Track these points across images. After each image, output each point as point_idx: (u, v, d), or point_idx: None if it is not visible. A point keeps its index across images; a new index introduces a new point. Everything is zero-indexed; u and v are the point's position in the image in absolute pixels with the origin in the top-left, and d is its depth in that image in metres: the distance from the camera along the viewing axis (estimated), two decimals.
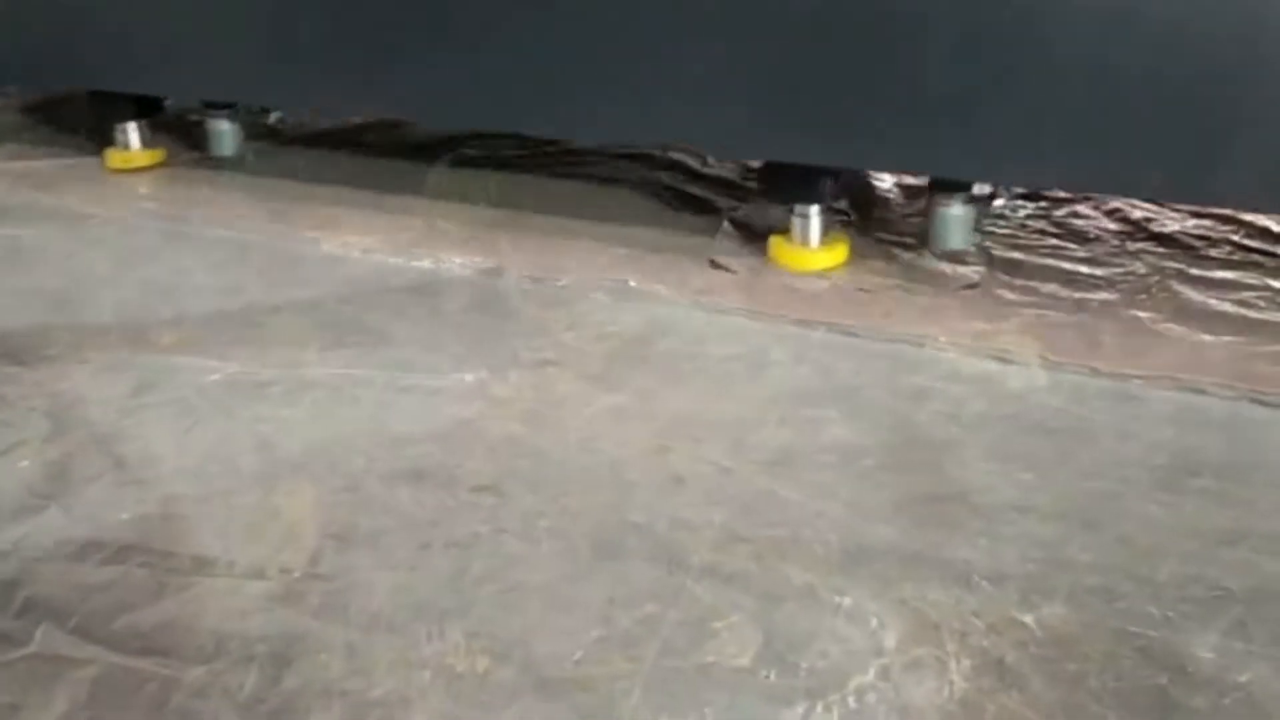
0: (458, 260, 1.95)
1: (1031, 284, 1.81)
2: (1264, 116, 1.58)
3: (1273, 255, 1.90)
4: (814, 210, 1.91)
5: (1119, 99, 1.64)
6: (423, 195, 2.24)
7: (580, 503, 1.30)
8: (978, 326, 1.69)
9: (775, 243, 1.94)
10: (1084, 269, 1.86)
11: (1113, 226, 2.03)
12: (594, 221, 2.10)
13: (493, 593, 1.17)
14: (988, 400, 1.51)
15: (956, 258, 1.90)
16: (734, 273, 1.89)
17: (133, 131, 2.44)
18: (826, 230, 1.93)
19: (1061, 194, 2.12)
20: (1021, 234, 1.99)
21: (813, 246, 1.92)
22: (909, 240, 1.98)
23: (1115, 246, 1.95)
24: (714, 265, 1.92)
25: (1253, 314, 1.70)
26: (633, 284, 1.85)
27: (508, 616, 1.14)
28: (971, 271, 1.86)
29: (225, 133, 2.50)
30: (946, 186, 1.91)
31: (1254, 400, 1.50)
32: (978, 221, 1.96)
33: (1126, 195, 2.03)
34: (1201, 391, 1.52)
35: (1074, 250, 1.93)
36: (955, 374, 1.58)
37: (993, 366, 1.59)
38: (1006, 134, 1.71)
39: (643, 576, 1.18)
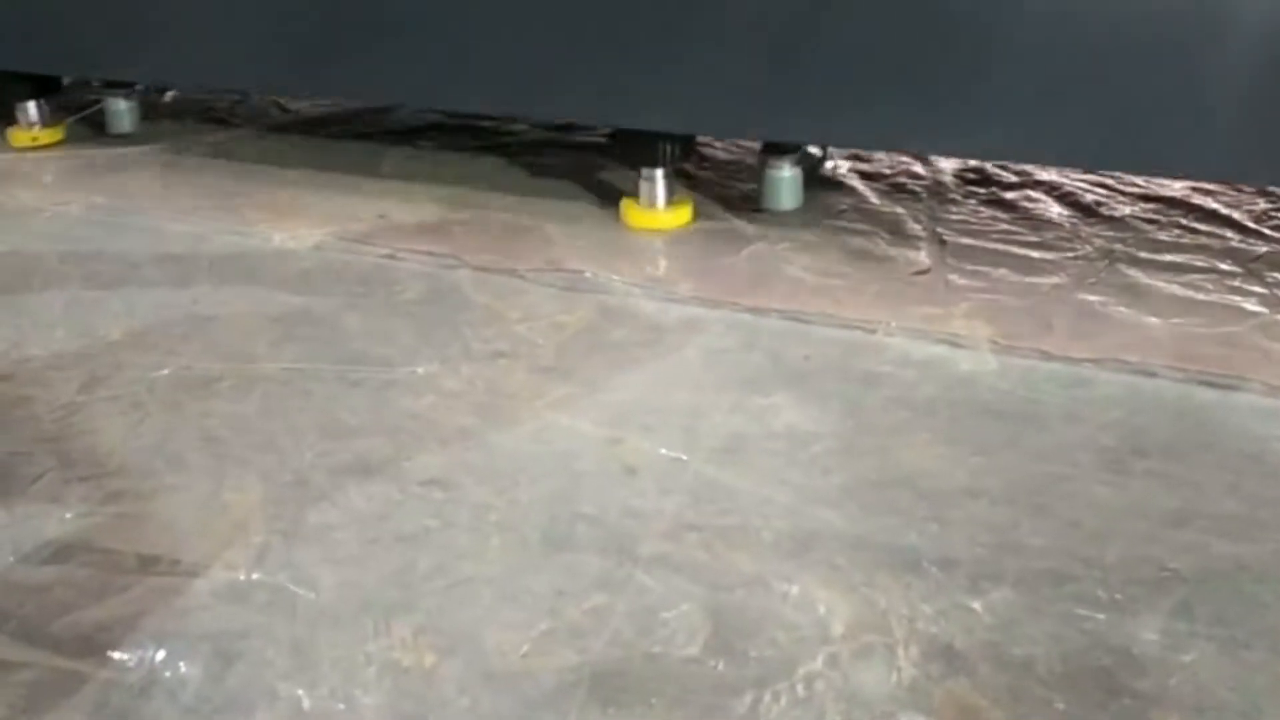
0: (410, 251, 1.93)
1: (982, 269, 1.81)
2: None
3: (1220, 238, 1.91)
4: (659, 174, 2.02)
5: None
6: (376, 186, 2.22)
7: (530, 494, 1.30)
8: (928, 311, 1.69)
9: (626, 205, 2.05)
10: (1035, 253, 1.86)
11: (1064, 211, 2.04)
12: (547, 212, 2.09)
13: (441, 586, 1.16)
14: (938, 385, 1.52)
15: (904, 239, 1.90)
16: (689, 261, 1.89)
17: (33, 110, 2.47)
18: (672, 192, 2.03)
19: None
20: (973, 219, 2.00)
21: (659, 207, 2.03)
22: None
23: (1066, 231, 1.96)
24: (667, 257, 1.91)
25: (1200, 296, 1.72)
26: (586, 274, 1.84)
27: (456, 610, 1.13)
28: (924, 257, 1.86)
29: (123, 111, 2.55)
30: (777, 149, 2.05)
31: (1202, 382, 1.51)
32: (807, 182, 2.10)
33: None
34: (1150, 374, 1.53)
35: (1025, 235, 1.93)
36: (906, 359, 1.58)
37: (943, 351, 1.60)
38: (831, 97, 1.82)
39: (592, 567, 1.18)
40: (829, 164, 2.29)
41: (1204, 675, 1.02)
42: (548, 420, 1.45)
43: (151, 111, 2.65)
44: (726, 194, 2.16)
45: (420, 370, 1.56)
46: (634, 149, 2.07)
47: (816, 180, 2.20)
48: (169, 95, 2.76)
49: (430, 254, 1.92)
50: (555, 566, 1.18)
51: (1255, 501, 1.27)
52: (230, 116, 2.66)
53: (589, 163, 2.32)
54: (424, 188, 2.20)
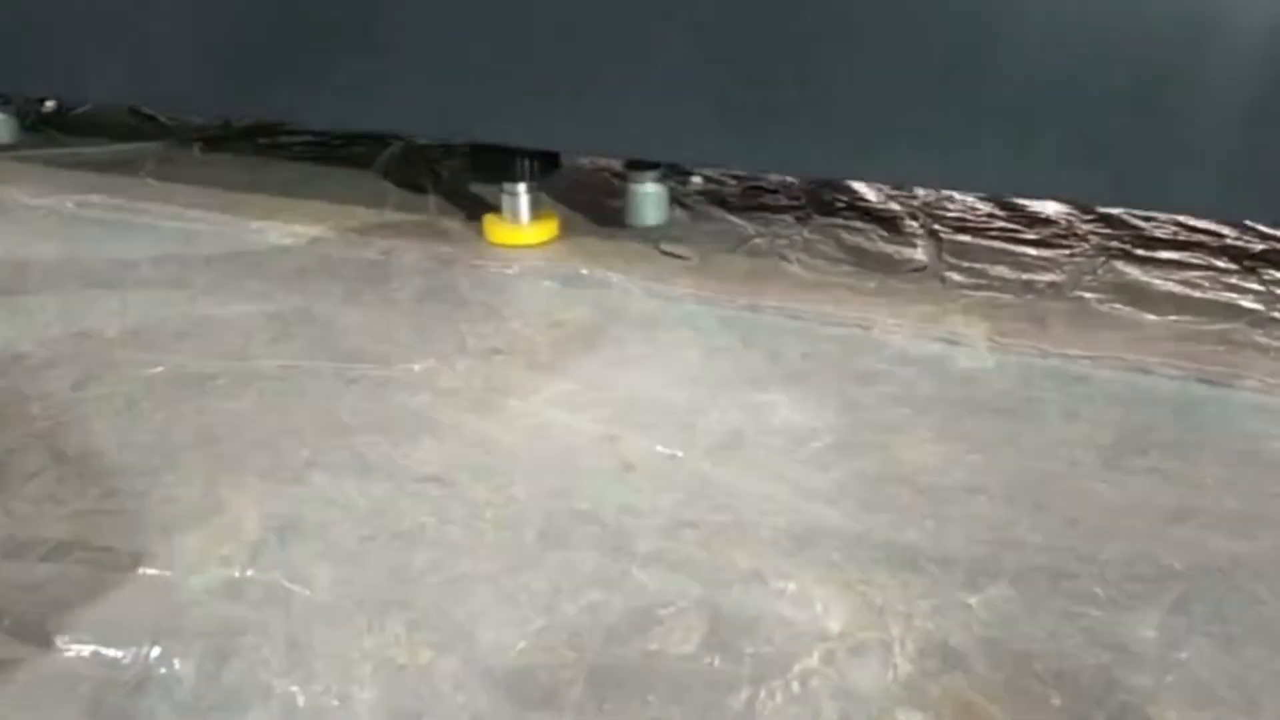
0: (407, 248, 1.93)
1: (979, 266, 1.81)
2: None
3: (1216, 235, 1.91)
4: (521, 188, 1.97)
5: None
6: (372, 183, 2.22)
7: (527, 491, 1.29)
8: (926, 309, 1.69)
9: (489, 221, 2.00)
10: (1031, 251, 1.86)
11: (1061, 208, 2.03)
12: (546, 207, 2.09)
13: (437, 584, 1.16)
14: (936, 382, 1.51)
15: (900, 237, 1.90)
16: (685, 259, 1.89)
17: None
18: (535, 207, 1.99)
19: None
20: (970, 217, 2.00)
21: (523, 223, 1.98)
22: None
23: (1063, 228, 1.96)
24: (663, 253, 1.91)
25: (1197, 293, 1.72)
26: (583, 271, 1.84)
27: (451, 607, 1.12)
28: (920, 254, 1.86)
29: (2, 121, 2.56)
30: (640, 165, 2.02)
31: (1199, 379, 1.51)
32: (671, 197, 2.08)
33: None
34: (1148, 371, 1.53)
35: (1022, 232, 1.93)
36: (903, 356, 1.58)
37: (941, 348, 1.60)
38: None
39: (588, 565, 1.18)
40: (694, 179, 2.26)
41: (1201, 672, 1.02)
42: (545, 417, 1.44)
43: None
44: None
45: (417, 367, 1.56)
46: (492, 164, 1.99)
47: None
48: (48, 106, 2.76)
49: (427, 250, 1.91)
50: (552, 563, 1.18)
51: (1253, 498, 1.27)
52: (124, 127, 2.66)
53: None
54: (421, 183, 2.20)
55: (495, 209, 2.00)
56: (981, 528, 1.22)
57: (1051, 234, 1.93)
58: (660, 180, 2.04)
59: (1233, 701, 0.99)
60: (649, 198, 2.04)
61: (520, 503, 1.27)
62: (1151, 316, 1.65)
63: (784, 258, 1.87)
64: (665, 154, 1.93)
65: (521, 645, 1.07)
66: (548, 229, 1.99)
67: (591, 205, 2.14)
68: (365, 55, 1.94)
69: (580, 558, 1.19)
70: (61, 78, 2.26)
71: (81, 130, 2.63)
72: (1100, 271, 1.79)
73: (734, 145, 1.76)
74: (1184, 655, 1.04)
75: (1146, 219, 1.98)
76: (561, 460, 1.36)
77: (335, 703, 1.02)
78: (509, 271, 1.85)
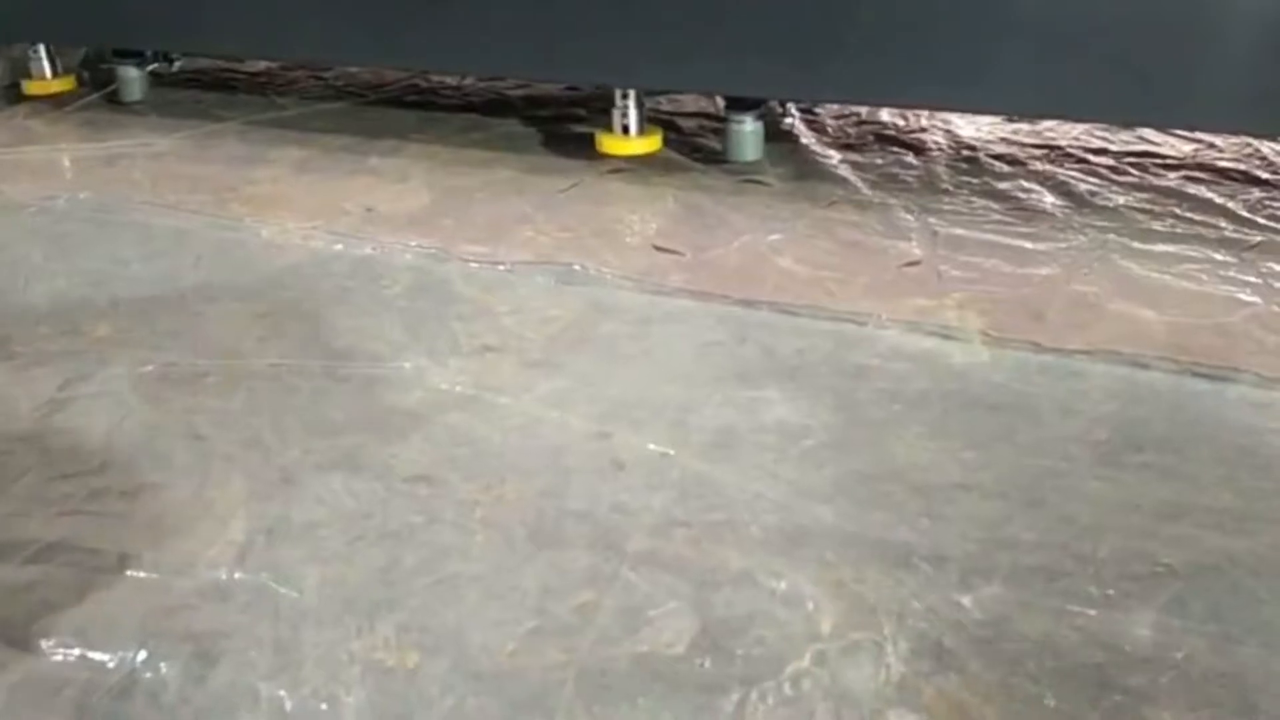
0: (399, 244, 1.92)
1: (974, 260, 1.80)
2: None
3: (1214, 227, 1.90)
4: (631, 101, 2.25)
5: None
6: (365, 178, 2.21)
7: (517, 490, 1.28)
8: (920, 304, 1.68)
9: (600, 137, 2.30)
10: (1027, 244, 1.85)
11: (1057, 201, 2.02)
12: (538, 204, 2.07)
13: (426, 585, 1.15)
14: (930, 378, 1.50)
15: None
16: (679, 254, 1.87)
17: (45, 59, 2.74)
18: (642, 122, 2.28)
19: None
20: (965, 210, 1.98)
21: (633, 134, 2.28)
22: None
23: (1059, 221, 1.94)
24: (657, 249, 1.90)
25: (1194, 286, 1.70)
26: (576, 267, 1.83)
27: (440, 609, 1.11)
28: (915, 248, 1.85)
29: (134, 79, 2.71)
30: (740, 105, 2.24)
31: (1196, 374, 1.49)
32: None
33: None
34: (1144, 366, 1.51)
35: (1018, 225, 1.92)
36: (897, 352, 1.57)
37: (935, 344, 1.58)
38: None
39: (579, 565, 1.17)
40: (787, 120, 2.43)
41: (1197, 671, 1.01)
42: (536, 415, 1.43)
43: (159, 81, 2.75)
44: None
45: (408, 365, 1.55)
46: None
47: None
48: (176, 65, 2.86)
49: (419, 247, 1.90)
50: (542, 563, 1.17)
51: (1250, 494, 1.26)
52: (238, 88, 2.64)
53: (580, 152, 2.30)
54: (414, 179, 2.19)
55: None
56: (975, 526, 1.21)
57: (1048, 227, 1.91)
58: (759, 119, 2.25)
59: (1229, 703, 0.98)
60: (748, 136, 2.25)
61: (510, 502, 1.26)
62: (1148, 310, 1.64)
63: (778, 253, 1.85)
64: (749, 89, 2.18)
65: (511, 647, 1.06)
66: (654, 141, 2.30)
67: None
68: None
69: (571, 558, 1.18)
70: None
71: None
72: (1096, 265, 1.78)
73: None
74: (1180, 655, 1.03)
75: (1143, 211, 1.96)
76: (553, 459, 1.34)
77: (323, 706, 1.01)
78: (501, 267, 1.83)
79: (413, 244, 1.92)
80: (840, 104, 2.49)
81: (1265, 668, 1.01)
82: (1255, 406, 1.43)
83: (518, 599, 1.12)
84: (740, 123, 2.25)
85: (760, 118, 2.26)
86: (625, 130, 2.29)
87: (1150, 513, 1.23)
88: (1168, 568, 1.15)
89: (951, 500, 1.26)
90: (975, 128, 2.40)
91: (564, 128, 2.49)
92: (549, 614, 1.10)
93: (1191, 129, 2.22)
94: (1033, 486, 1.28)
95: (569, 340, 1.62)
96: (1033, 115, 2.33)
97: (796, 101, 2.49)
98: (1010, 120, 2.41)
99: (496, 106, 2.64)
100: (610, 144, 2.30)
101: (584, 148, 2.32)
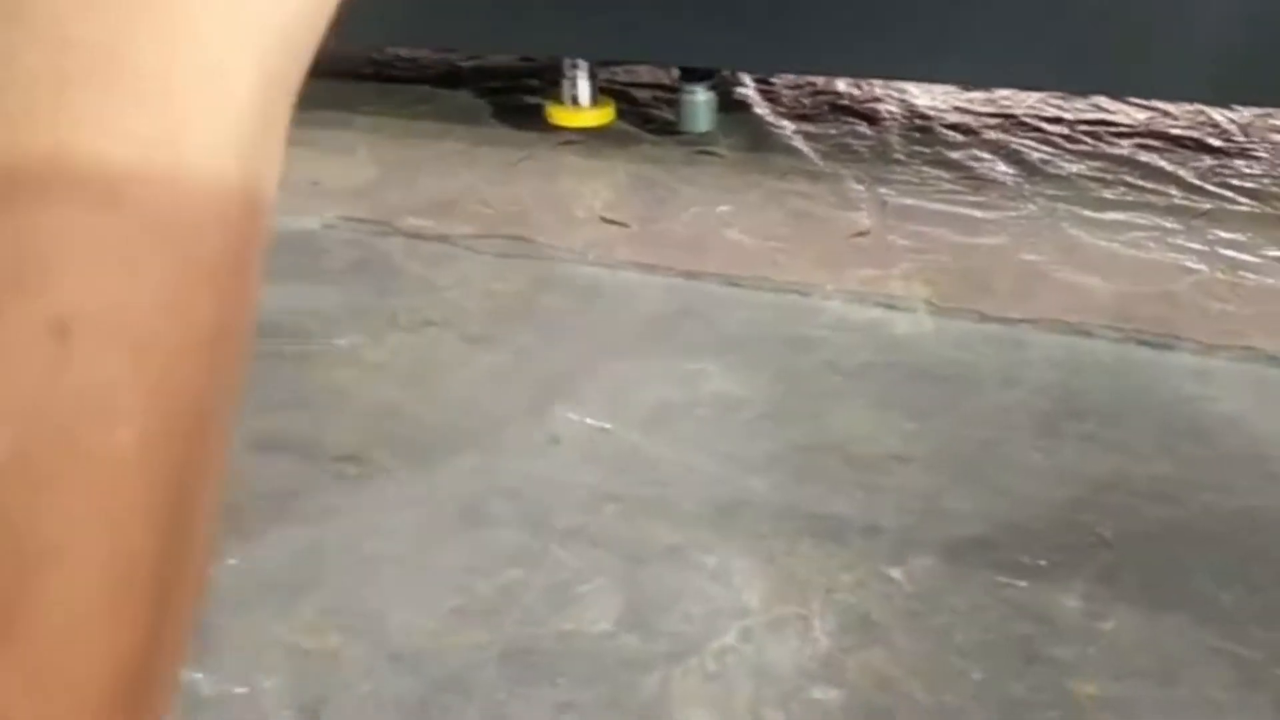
0: (343, 218, 1.89)
1: (923, 229, 1.78)
2: None
3: (1165, 195, 1.89)
4: (582, 72, 2.20)
5: None
6: (311, 151, 2.17)
7: (448, 468, 1.26)
8: (867, 274, 1.66)
9: (550, 109, 2.23)
10: (977, 213, 1.83)
11: (1009, 170, 2.00)
12: (487, 177, 2.05)
13: (349, 565, 1.13)
14: (873, 348, 1.49)
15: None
16: (626, 226, 1.85)
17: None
18: (595, 93, 2.23)
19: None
20: (916, 180, 1.96)
21: (584, 105, 2.23)
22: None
23: (1010, 190, 1.93)
24: (605, 221, 1.87)
25: (1142, 254, 1.69)
26: (522, 238, 1.80)
27: (363, 590, 1.09)
28: (865, 218, 1.83)
29: None
30: (693, 75, 2.19)
31: (1140, 342, 1.48)
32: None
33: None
34: (1089, 334, 1.50)
35: (968, 195, 1.90)
36: (842, 322, 1.55)
37: (880, 314, 1.57)
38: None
39: (507, 542, 1.15)
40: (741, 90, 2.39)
41: (1123, 642, 1.00)
42: (473, 391, 1.41)
43: None
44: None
45: (343, 342, 1.52)
46: None
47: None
48: None
49: (363, 220, 1.87)
50: (469, 542, 1.15)
51: (1186, 463, 1.25)
52: None
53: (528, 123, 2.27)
54: (361, 151, 2.15)
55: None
56: (910, 497, 1.20)
57: (998, 196, 1.90)
58: (712, 89, 2.20)
59: (1153, 672, 0.97)
60: (701, 106, 2.21)
61: (440, 480, 1.24)
62: (1095, 279, 1.62)
63: (727, 225, 1.83)
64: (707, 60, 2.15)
65: (432, 627, 1.05)
66: (606, 113, 2.24)
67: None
68: None
69: (499, 535, 1.16)
70: None
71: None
72: (1045, 233, 1.76)
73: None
74: (1107, 626, 1.02)
75: (1094, 179, 1.95)
76: (486, 435, 1.32)
77: (241, 690, 0.99)
78: (446, 241, 1.81)
79: (357, 218, 1.89)
80: (794, 74, 2.47)
81: (1190, 637, 1.00)
82: (1196, 374, 1.42)
83: (442, 578, 1.10)
84: (693, 93, 2.23)
85: (713, 88, 2.23)
86: (575, 101, 2.26)
87: (1087, 483, 1.22)
88: (1101, 538, 1.14)
89: (888, 472, 1.24)
90: (931, 97, 2.38)
91: (517, 99, 2.45)
92: (473, 593, 1.08)
93: (1149, 97, 2.21)
94: (970, 457, 1.26)
95: (511, 314, 1.59)
96: (990, 85, 2.31)
97: (749, 72, 2.47)
98: (966, 89, 2.39)
99: (449, 78, 2.60)
100: (561, 115, 2.26)
101: (536, 120, 2.29)
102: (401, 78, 2.61)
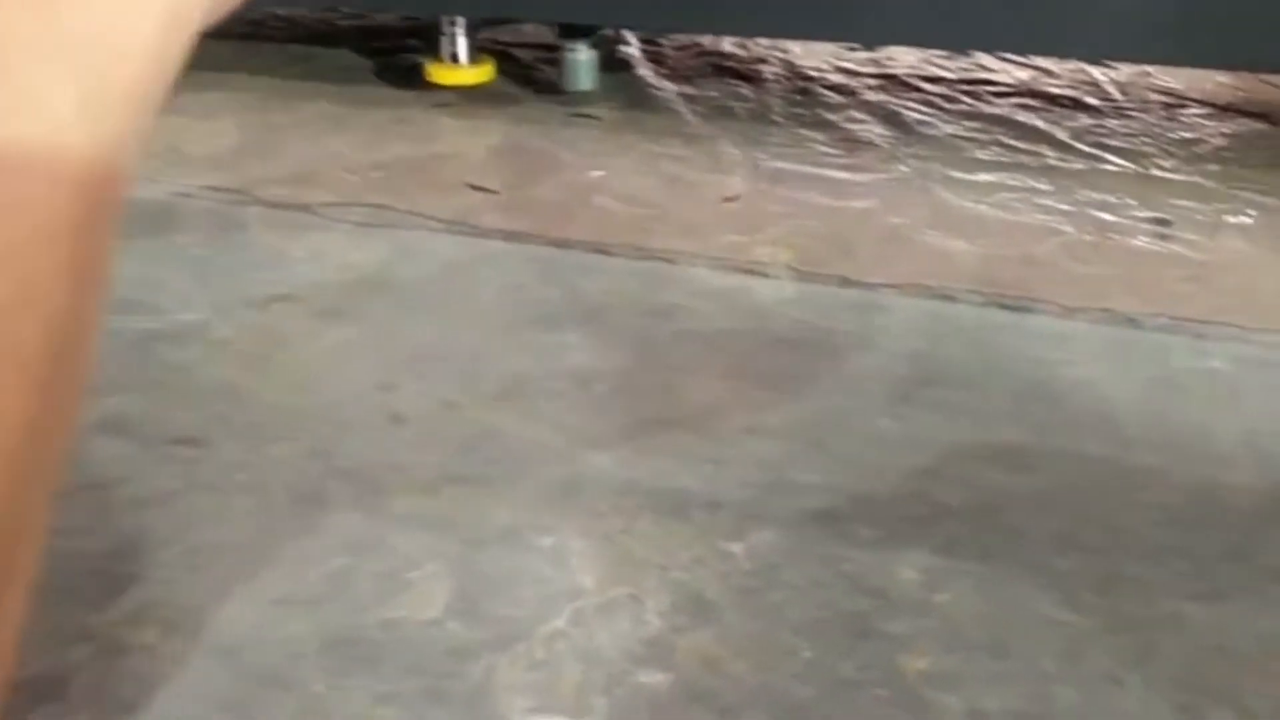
0: (199, 186, 1.82)
1: (793, 194, 1.76)
2: None
3: (1038, 155, 1.89)
4: (460, 28, 2.18)
5: None
6: (173, 117, 2.10)
7: (286, 450, 1.22)
8: (733, 240, 1.64)
9: (428, 67, 2.21)
10: (848, 175, 1.82)
11: (885, 131, 1.99)
12: (355, 142, 1.99)
13: (174, 555, 1.08)
14: (733, 316, 1.47)
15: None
16: (495, 193, 1.81)
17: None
18: (474, 51, 2.22)
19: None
20: (790, 142, 1.94)
21: (463, 63, 2.21)
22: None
23: (884, 152, 1.91)
24: (472, 188, 1.83)
25: (1010, 216, 1.69)
26: (385, 206, 1.75)
27: (186, 580, 1.05)
28: (737, 182, 1.80)
29: None
30: (574, 32, 2.17)
31: (1001, 305, 1.48)
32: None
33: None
34: (951, 298, 1.49)
35: (841, 157, 1.88)
36: (705, 290, 1.53)
37: (743, 280, 1.55)
38: None
39: (341, 527, 1.11)
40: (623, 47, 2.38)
41: (957, 614, 0.99)
42: (319, 369, 1.37)
43: None
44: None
45: (189, 318, 1.47)
46: None
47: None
48: None
49: (221, 188, 1.81)
50: (300, 528, 1.11)
51: (1037, 430, 1.24)
52: None
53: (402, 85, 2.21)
54: (222, 115, 2.08)
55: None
56: (757, 470, 1.18)
57: (871, 158, 1.88)
58: (594, 46, 2.19)
59: (984, 644, 0.96)
60: (583, 64, 2.19)
61: (276, 463, 1.20)
62: (960, 242, 1.62)
63: (597, 191, 1.80)
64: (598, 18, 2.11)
65: (255, 618, 1.01)
66: (486, 71, 2.22)
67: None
68: None
69: (332, 521, 1.12)
70: None
71: None
72: (915, 195, 1.75)
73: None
74: (943, 598, 1.01)
75: (969, 140, 1.94)
76: (329, 415, 1.28)
77: (49, 689, 0.95)
78: (306, 211, 1.75)
79: (215, 186, 1.83)
80: (677, 33, 2.43)
81: (1023, 607, 1.00)
82: (1055, 338, 1.42)
83: (270, 567, 1.06)
84: (574, 51, 2.18)
85: (595, 46, 2.19)
86: (455, 59, 2.21)
87: (936, 451, 1.21)
88: (944, 507, 1.13)
89: (737, 444, 1.22)
90: (816, 58, 2.36)
91: (396, 59, 2.39)
92: (301, 582, 1.04)
93: (1029, 54, 2.21)
94: (821, 427, 1.25)
95: (366, 288, 1.55)
96: (880, 43, 2.29)
97: (631, 30, 2.42)
98: (851, 50, 2.37)
99: (327, 37, 2.53)
100: (439, 74, 2.21)
101: (414, 81, 2.24)
102: (277, 37, 2.53)
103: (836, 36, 2.15)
